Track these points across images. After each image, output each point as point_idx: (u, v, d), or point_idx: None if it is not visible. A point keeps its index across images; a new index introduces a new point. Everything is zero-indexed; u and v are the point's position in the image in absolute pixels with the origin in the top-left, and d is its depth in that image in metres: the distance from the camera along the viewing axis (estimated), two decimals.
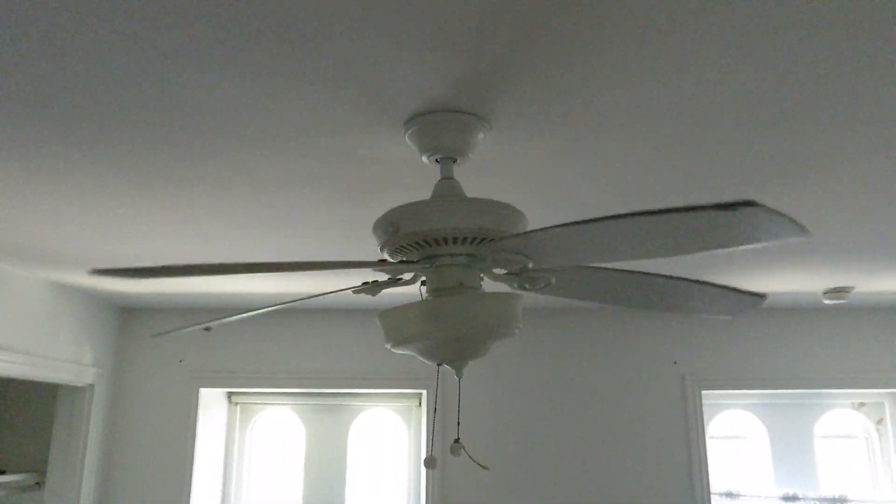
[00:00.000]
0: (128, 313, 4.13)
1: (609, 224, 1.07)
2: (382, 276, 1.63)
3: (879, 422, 4.33)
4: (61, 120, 1.61)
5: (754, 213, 0.93)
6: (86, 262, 2.99)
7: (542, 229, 1.20)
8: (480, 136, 1.62)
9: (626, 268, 1.54)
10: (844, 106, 1.54)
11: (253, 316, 1.78)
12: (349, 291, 1.62)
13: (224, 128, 1.65)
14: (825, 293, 3.50)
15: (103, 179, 2.00)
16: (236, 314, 1.76)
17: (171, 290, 3.58)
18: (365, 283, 1.61)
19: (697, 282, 1.55)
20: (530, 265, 1.43)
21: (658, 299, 1.68)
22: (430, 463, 1.65)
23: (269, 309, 1.75)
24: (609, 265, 1.52)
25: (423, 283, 1.59)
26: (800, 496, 4.14)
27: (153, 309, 4.14)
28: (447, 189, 1.57)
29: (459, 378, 1.52)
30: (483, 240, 1.46)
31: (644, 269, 1.56)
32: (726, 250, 2.71)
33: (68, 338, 3.56)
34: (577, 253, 1.33)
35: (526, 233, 1.29)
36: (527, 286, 1.53)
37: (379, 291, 1.62)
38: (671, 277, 1.55)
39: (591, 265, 1.51)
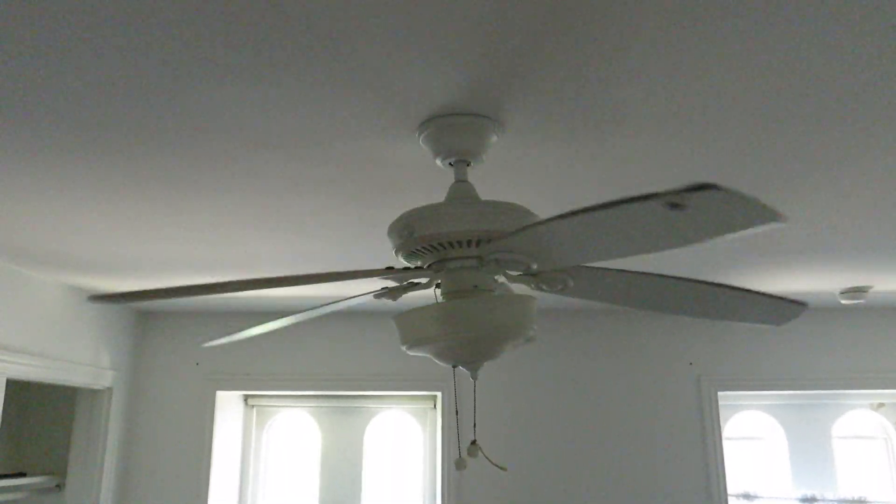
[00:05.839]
0: (145, 317, 4.17)
1: (582, 218, 1.07)
2: (401, 281, 1.64)
3: None
4: (79, 127, 1.64)
5: (713, 197, 0.87)
6: (104, 266, 3.03)
7: (522, 229, 1.19)
8: (494, 138, 1.62)
9: (652, 271, 1.52)
10: (860, 103, 1.53)
11: (287, 324, 1.79)
12: (358, 293, 1.64)
13: (239, 132, 1.67)
14: (842, 293, 3.47)
15: (120, 184, 2.03)
16: (267, 321, 1.77)
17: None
18: (384, 289, 1.62)
19: (736, 289, 1.50)
20: (534, 266, 1.43)
21: (688, 305, 1.63)
22: (460, 464, 1.65)
23: (302, 317, 1.75)
24: (633, 269, 1.52)
25: (437, 285, 1.60)
26: (818, 497, 4.11)
27: (170, 312, 4.17)
28: (461, 192, 1.57)
29: (474, 379, 1.52)
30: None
31: (667, 273, 1.53)
32: (728, 246, 2.70)
33: (87, 341, 3.60)
34: (564, 250, 1.32)
35: (513, 233, 1.27)
36: (544, 287, 1.53)
37: (400, 296, 1.63)
38: (704, 283, 1.50)
39: (616, 269, 1.50)
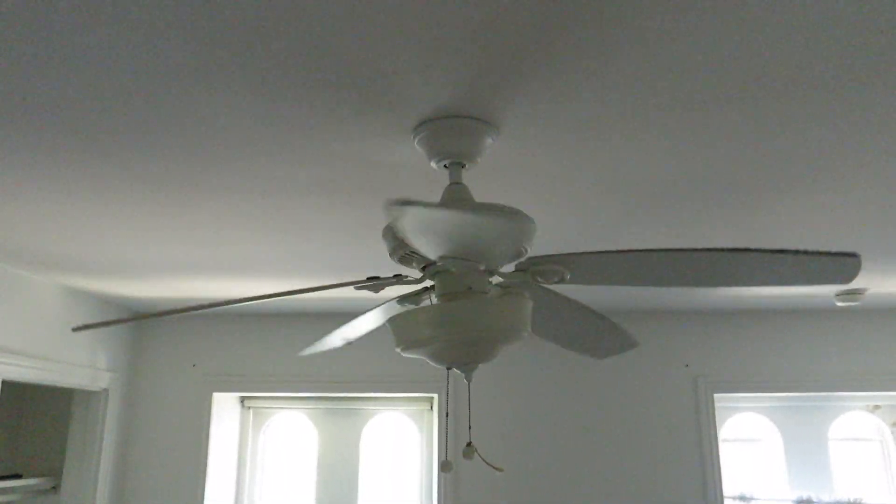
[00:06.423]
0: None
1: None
2: (386, 274, 1.64)
3: (894, 424, 4.30)
4: (77, 130, 1.64)
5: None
6: (101, 268, 3.03)
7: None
8: (489, 141, 1.63)
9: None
10: (857, 106, 1.54)
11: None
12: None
13: (235, 134, 1.67)
14: (838, 295, 3.48)
15: (117, 186, 2.03)
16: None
17: (183, 295, 3.61)
18: (370, 278, 1.62)
19: (736, 250, 1.34)
20: (568, 277, 1.45)
21: (706, 275, 1.50)
22: (445, 467, 1.66)
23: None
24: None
25: (431, 287, 1.60)
26: (814, 499, 4.12)
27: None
28: (456, 194, 1.58)
29: (469, 381, 1.53)
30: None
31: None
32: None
33: (83, 343, 3.60)
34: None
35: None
36: (539, 279, 1.53)
37: (381, 289, 1.64)
38: (729, 250, 1.39)
39: (617, 251, 1.45)
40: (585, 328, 1.79)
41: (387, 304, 1.76)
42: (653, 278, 1.49)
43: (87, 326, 1.01)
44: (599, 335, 1.80)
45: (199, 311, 4.08)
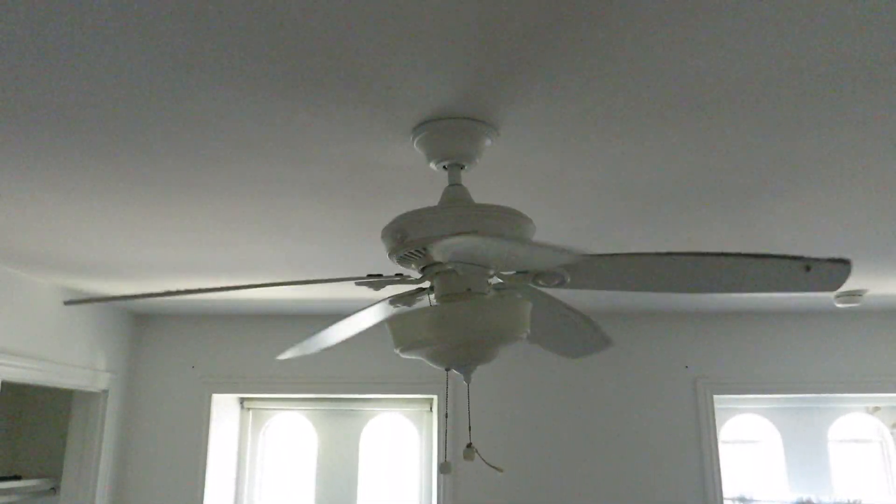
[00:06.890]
0: (141, 319, 4.17)
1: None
2: (388, 272, 1.64)
3: (894, 425, 4.30)
4: (74, 131, 1.64)
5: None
6: (99, 269, 3.03)
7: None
8: (488, 142, 1.63)
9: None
10: (857, 107, 1.54)
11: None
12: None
13: (233, 136, 1.67)
14: (837, 297, 3.48)
15: (115, 187, 2.03)
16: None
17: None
18: (370, 275, 1.62)
19: (753, 256, 1.28)
20: (568, 280, 1.44)
21: (702, 280, 1.51)
22: (444, 468, 1.65)
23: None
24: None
25: (430, 288, 1.60)
26: (814, 500, 4.12)
27: (166, 315, 4.17)
28: (455, 195, 1.58)
29: (468, 382, 1.53)
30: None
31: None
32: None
33: (83, 344, 3.60)
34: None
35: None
36: (541, 283, 1.53)
37: (382, 287, 1.64)
38: (719, 254, 1.38)
39: (619, 253, 1.48)
40: (561, 325, 1.77)
41: (379, 304, 1.76)
42: (656, 284, 1.48)
43: (80, 301, 1.00)
44: (575, 333, 1.79)
45: (199, 313, 4.08)
